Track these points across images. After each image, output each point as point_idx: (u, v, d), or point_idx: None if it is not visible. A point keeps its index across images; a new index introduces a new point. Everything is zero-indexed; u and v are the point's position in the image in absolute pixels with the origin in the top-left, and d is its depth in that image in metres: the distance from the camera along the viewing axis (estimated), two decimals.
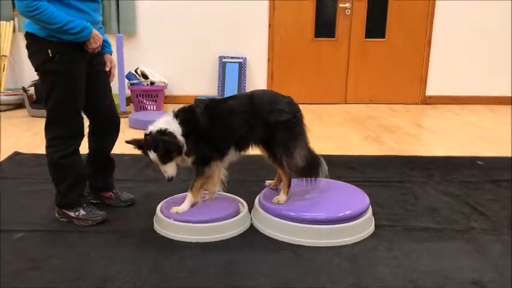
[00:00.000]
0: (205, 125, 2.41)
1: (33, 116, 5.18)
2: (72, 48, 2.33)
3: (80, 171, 2.57)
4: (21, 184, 3.15)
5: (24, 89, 5.28)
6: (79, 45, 2.35)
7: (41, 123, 4.81)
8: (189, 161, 2.47)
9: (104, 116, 2.63)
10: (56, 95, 2.39)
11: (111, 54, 2.69)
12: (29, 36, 2.36)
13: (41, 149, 3.94)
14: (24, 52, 6.30)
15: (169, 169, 2.39)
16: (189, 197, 2.52)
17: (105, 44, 2.62)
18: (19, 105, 5.54)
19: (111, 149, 2.76)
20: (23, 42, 6.26)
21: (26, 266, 2.15)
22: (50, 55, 2.31)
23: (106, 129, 2.65)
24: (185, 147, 2.39)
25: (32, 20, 2.26)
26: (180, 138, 2.37)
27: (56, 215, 2.63)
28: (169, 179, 2.40)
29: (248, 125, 2.44)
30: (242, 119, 2.44)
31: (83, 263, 2.19)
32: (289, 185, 2.55)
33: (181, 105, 2.50)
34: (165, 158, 2.36)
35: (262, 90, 2.59)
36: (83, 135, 2.54)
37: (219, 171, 2.53)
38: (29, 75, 5.67)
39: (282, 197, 2.54)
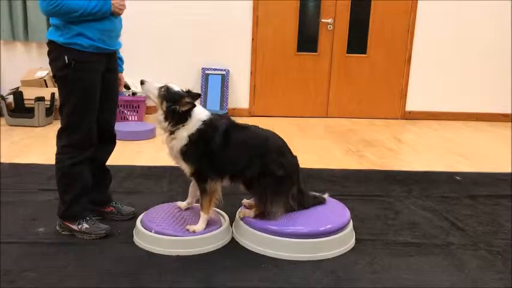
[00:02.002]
0: (216, 147, 2.40)
1: (11, 125, 5.10)
2: (89, 56, 2.36)
3: (87, 182, 2.54)
4: None
5: (2, 97, 5.20)
6: (95, 54, 2.38)
7: (19, 133, 4.79)
8: (183, 165, 2.44)
9: (101, 130, 2.58)
10: (71, 102, 2.40)
11: (121, 72, 2.74)
12: (49, 43, 2.40)
13: (19, 159, 3.90)
14: (3, 59, 6.23)
15: (152, 86, 2.42)
16: (202, 216, 2.47)
17: (119, 62, 2.68)
18: None
19: (106, 160, 2.74)
20: (2, 49, 6.13)
21: (0, 279, 2.10)
22: (66, 61, 2.33)
23: (101, 141, 2.60)
24: (183, 141, 2.37)
25: (58, 16, 2.30)
26: (183, 134, 2.36)
27: (57, 227, 2.57)
28: (142, 80, 2.45)
29: (250, 162, 2.44)
30: (249, 154, 2.45)
31: (60, 276, 2.14)
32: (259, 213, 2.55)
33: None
34: (161, 90, 2.39)
35: (280, 139, 2.56)
36: (95, 145, 2.51)
37: (220, 187, 2.49)
38: (8, 83, 5.60)
39: (250, 213, 2.55)
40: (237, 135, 2.47)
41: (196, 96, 2.44)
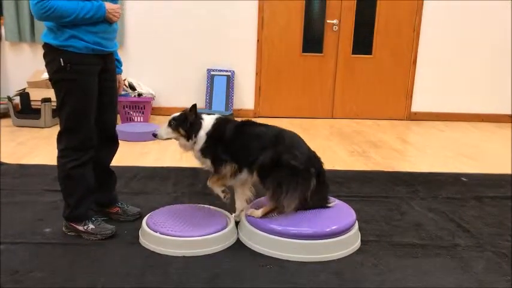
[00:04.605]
0: (229, 138, 2.55)
1: (17, 126, 5.13)
2: (84, 58, 2.35)
3: (90, 183, 2.54)
4: (4, 195, 3.09)
5: (9, 98, 5.23)
6: (91, 55, 2.37)
7: (25, 133, 4.81)
8: (206, 162, 2.61)
9: (102, 131, 2.59)
10: (68, 105, 2.39)
11: (120, 74, 2.73)
12: (44, 46, 2.39)
13: (26, 159, 3.92)
14: (9, 60, 6.28)
15: (163, 131, 2.61)
16: (213, 188, 2.64)
17: (117, 65, 2.67)
18: (4, 115, 5.47)
19: (110, 162, 2.75)
20: (8, 51, 6.17)
21: (7, 279, 2.11)
22: (62, 64, 2.32)
23: (103, 143, 2.61)
24: (202, 140, 2.56)
25: (50, 20, 2.29)
26: (202, 134, 2.56)
27: (64, 228, 2.58)
28: (153, 134, 2.64)
29: (264, 153, 2.48)
30: (262, 145, 2.51)
31: (66, 276, 2.16)
32: (270, 211, 2.55)
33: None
34: (171, 125, 2.59)
35: (294, 133, 2.63)
36: (95, 146, 2.51)
37: (234, 176, 2.58)
38: (15, 84, 5.63)
39: (258, 212, 2.55)
40: (250, 128, 2.62)
41: (192, 107, 2.58)
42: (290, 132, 2.63)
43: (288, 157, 2.45)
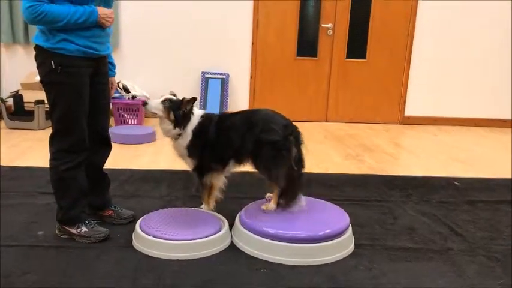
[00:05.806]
0: (212, 136, 2.64)
1: (10, 128, 5.10)
2: (75, 60, 2.33)
3: (83, 186, 2.52)
4: None
5: (2, 100, 5.21)
6: (82, 58, 2.36)
7: (18, 135, 4.78)
8: (188, 161, 2.71)
9: (95, 133, 2.57)
10: (59, 107, 2.38)
11: (113, 76, 2.74)
12: (36, 48, 2.38)
13: (18, 162, 3.90)
14: (3, 62, 6.23)
15: (154, 103, 2.62)
16: (204, 207, 2.80)
17: (110, 67, 2.66)
18: None
19: (103, 165, 2.74)
20: (2, 52, 6.13)
21: (1, 282, 2.10)
22: (53, 67, 2.30)
23: (95, 145, 2.60)
24: (188, 137, 2.63)
25: (42, 24, 2.27)
26: (188, 131, 2.63)
27: (56, 231, 2.57)
28: (143, 102, 2.65)
29: (243, 139, 2.59)
30: (240, 133, 2.60)
31: (60, 279, 2.15)
32: (279, 195, 2.65)
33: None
34: (165, 103, 2.62)
35: (265, 109, 2.73)
36: (88, 149, 2.49)
37: (220, 180, 2.74)
38: (8, 86, 5.61)
39: (271, 205, 2.65)
40: (228, 120, 2.71)
41: (192, 99, 2.64)
42: (262, 110, 2.72)
43: (265, 134, 2.54)
